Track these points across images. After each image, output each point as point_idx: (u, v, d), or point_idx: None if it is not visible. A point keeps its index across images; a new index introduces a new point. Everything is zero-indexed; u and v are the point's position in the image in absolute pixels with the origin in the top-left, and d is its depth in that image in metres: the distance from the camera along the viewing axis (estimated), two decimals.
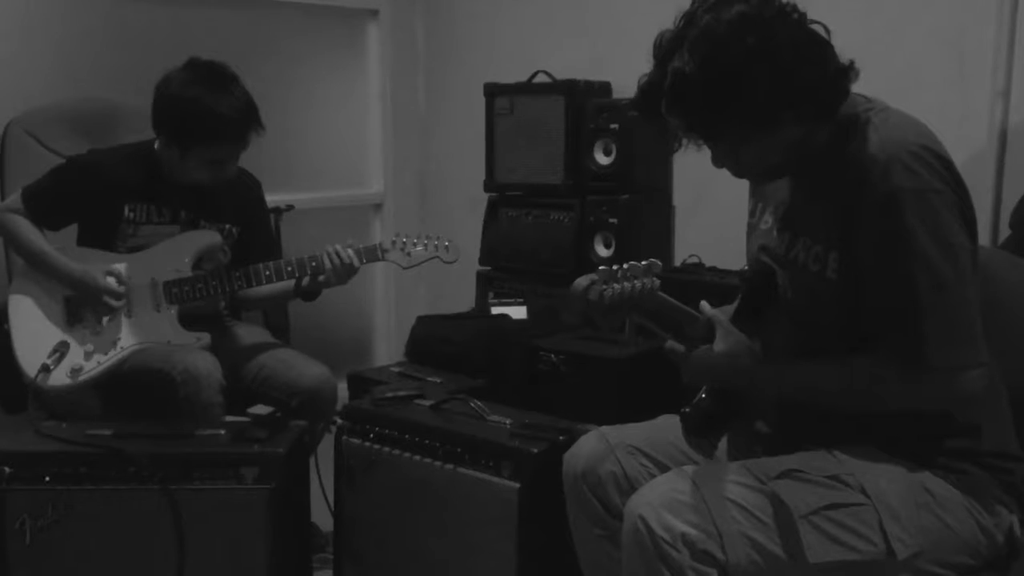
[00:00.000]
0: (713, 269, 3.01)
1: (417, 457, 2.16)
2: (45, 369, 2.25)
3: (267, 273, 2.40)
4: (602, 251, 3.18)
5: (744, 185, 1.76)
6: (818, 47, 1.48)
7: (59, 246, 2.42)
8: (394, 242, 2.43)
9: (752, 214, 1.77)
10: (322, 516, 2.46)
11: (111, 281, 2.35)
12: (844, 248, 1.51)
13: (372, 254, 2.41)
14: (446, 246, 2.45)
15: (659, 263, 1.52)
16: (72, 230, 2.49)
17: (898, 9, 2.84)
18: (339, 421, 2.31)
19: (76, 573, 2.06)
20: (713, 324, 1.58)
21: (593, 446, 1.76)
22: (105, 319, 2.37)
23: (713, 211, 3.14)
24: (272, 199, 2.80)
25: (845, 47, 1.51)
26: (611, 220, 3.15)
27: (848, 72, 1.50)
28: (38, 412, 2.33)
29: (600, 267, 1.49)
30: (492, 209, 3.48)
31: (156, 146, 2.43)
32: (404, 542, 2.20)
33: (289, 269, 2.40)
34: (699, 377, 1.64)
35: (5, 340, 2.38)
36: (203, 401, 2.24)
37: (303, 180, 3.74)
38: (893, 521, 1.46)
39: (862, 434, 1.56)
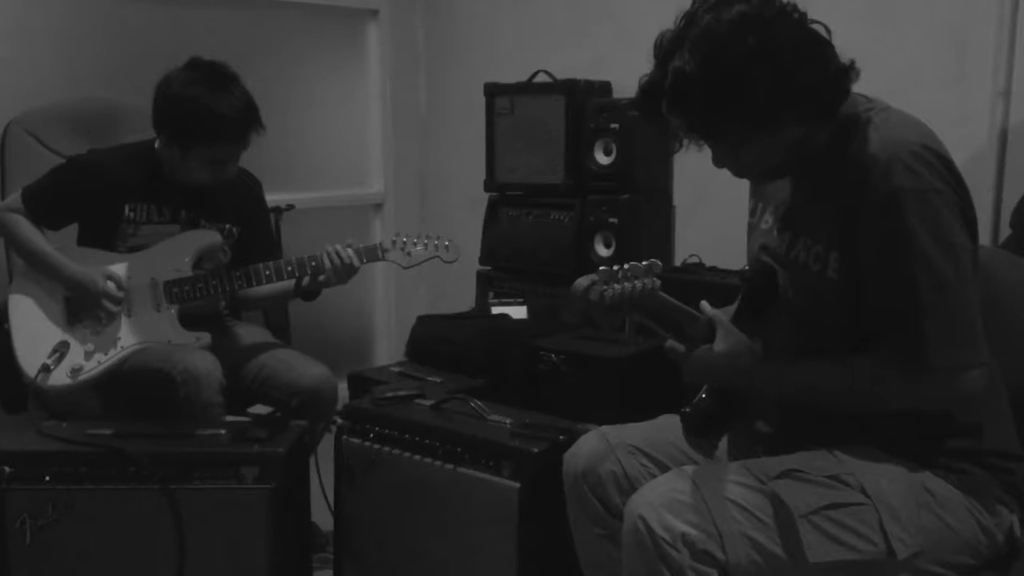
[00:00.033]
0: (713, 269, 3.01)
1: (417, 457, 2.16)
2: (45, 369, 2.25)
3: (267, 273, 2.40)
4: (602, 251, 3.18)
5: (744, 185, 1.76)
6: (819, 47, 1.48)
7: (59, 246, 2.42)
8: (394, 242, 2.43)
9: (752, 214, 1.77)
10: (322, 516, 2.46)
11: (110, 286, 2.35)
12: (845, 248, 1.51)
13: (372, 254, 2.41)
14: (446, 246, 2.45)
15: (659, 263, 1.52)
16: (72, 230, 2.49)
17: (899, 9, 2.84)
18: (339, 421, 2.31)
19: (76, 573, 2.06)
20: (714, 324, 1.58)
21: (593, 446, 1.76)
22: (104, 321, 2.37)
23: (713, 211, 3.13)
24: (272, 199, 2.80)
25: (846, 47, 1.51)
26: (611, 220, 3.15)
27: (849, 72, 1.51)
28: (38, 412, 2.33)
29: (601, 267, 1.49)
30: (492, 209, 3.48)
31: (156, 146, 2.43)
32: (404, 542, 2.20)
33: (289, 269, 2.40)
34: (699, 377, 1.64)
35: (5, 340, 2.38)
36: (203, 401, 2.24)
37: (303, 180, 3.74)
38: (893, 521, 1.46)
39: (863, 434, 1.56)
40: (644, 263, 1.50)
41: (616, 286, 1.48)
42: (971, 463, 1.54)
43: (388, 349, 4.17)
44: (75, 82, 3.08)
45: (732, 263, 2.80)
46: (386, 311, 4.20)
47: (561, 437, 2.03)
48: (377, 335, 4.24)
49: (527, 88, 3.37)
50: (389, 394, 2.35)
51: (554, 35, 3.61)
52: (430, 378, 2.69)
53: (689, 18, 1.48)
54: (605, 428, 1.79)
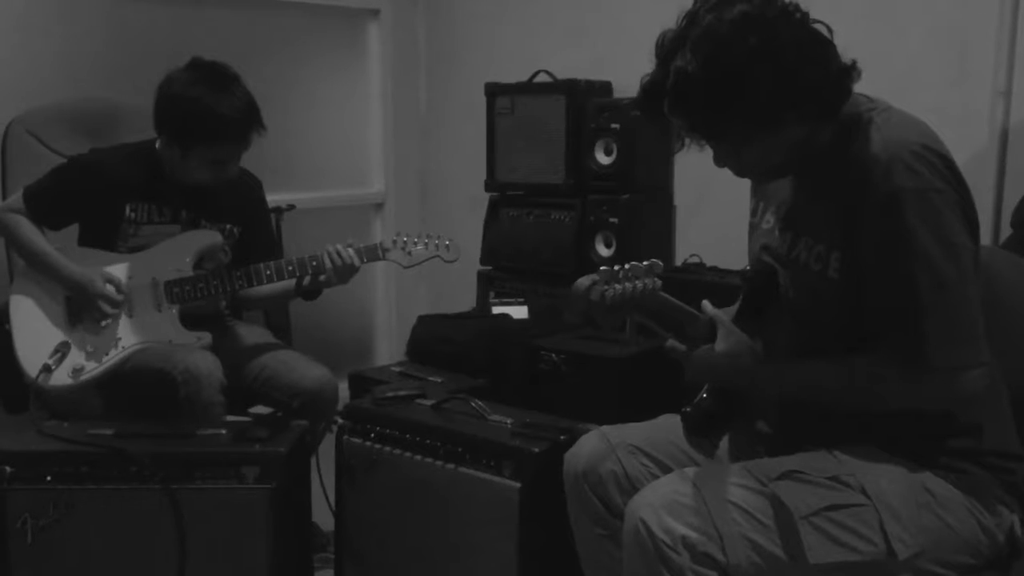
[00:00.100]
0: (714, 269, 3.01)
1: (418, 457, 2.16)
2: (46, 369, 2.25)
3: (268, 273, 2.41)
4: (603, 251, 3.18)
5: (745, 185, 1.76)
6: (821, 47, 1.48)
7: (60, 246, 2.42)
8: (395, 241, 2.43)
9: (754, 213, 1.77)
10: (323, 516, 2.46)
11: (109, 288, 2.35)
12: (846, 248, 1.51)
13: (373, 253, 2.41)
14: (447, 245, 2.45)
15: (660, 263, 1.52)
16: (73, 229, 2.49)
17: (900, 9, 2.84)
18: (340, 421, 2.32)
19: (77, 572, 2.06)
20: (715, 324, 1.58)
21: (594, 445, 1.76)
22: (104, 322, 2.37)
23: (714, 211, 3.13)
24: (273, 199, 2.81)
25: (847, 47, 1.51)
26: (612, 220, 3.15)
27: (850, 72, 1.51)
28: (40, 412, 2.34)
29: (601, 267, 1.49)
30: (493, 209, 3.48)
31: (157, 146, 2.43)
32: (405, 541, 2.20)
33: (290, 269, 2.41)
34: (700, 376, 1.64)
35: (6, 340, 2.38)
36: (204, 400, 2.24)
37: (304, 180, 3.74)
38: (894, 521, 1.46)
39: (863, 434, 1.56)
40: (645, 263, 1.50)
41: (617, 286, 1.48)
42: (971, 463, 1.54)
43: (389, 349, 4.17)
44: (75, 82, 3.08)
45: (733, 263, 2.80)
46: (387, 311, 4.20)
47: (562, 437, 2.03)
48: (378, 335, 4.24)
49: (528, 88, 3.37)
50: (390, 394, 2.35)
51: (555, 35, 3.60)
52: (431, 378, 2.69)
53: (691, 18, 1.48)
54: (606, 428, 1.79)
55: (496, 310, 3.19)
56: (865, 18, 2.82)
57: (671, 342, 1.61)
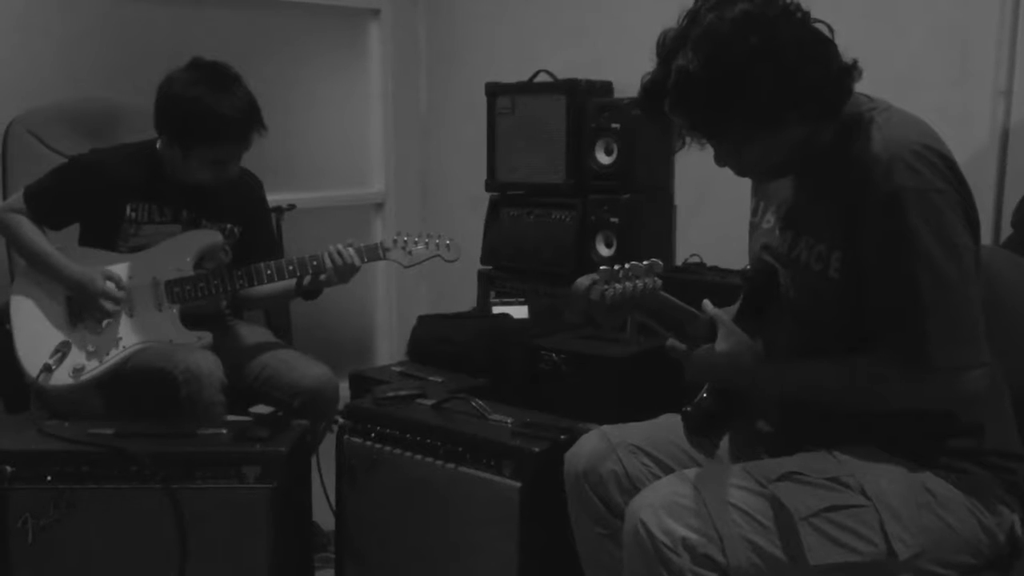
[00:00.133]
0: (715, 268, 3.01)
1: (418, 456, 2.16)
2: (47, 369, 2.25)
3: (268, 272, 2.41)
4: (603, 250, 3.18)
5: (746, 184, 1.76)
6: (822, 46, 1.48)
7: (60, 245, 2.42)
8: (395, 241, 2.44)
9: (754, 213, 1.77)
10: (324, 515, 2.46)
11: (110, 286, 2.35)
12: (847, 247, 1.51)
13: (373, 253, 2.41)
14: (447, 245, 2.45)
15: (660, 263, 1.52)
16: (74, 229, 2.49)
17: (901, 8, 2.84)
18: (341, 420, 2.32)
19: (78, 572, 2.06)
20: (715, 323, 1.58)
21: (594, 445, 1.76)
22: (105, 321, 2.37)
23: (715, 210, 3.13)
24: (274, 198, 2.81)
25: (847, 46, 1.51)
26: (612, 219, 3.15)
27: (851, 71, 1.50)
28: (40, 411, 2.34)
29: (602, 267, 1.49)
30: (493, 208, 3.48)
31: (158, 146, 2.43)
32: (406, 541, 2.20)
33: (291, 268, 2.41)
34: (701, 376, 1.64)
35: (7, 340, 2.38)
36: (205, 400, 2.24)
37: (305, 180, 3.75)
38: (894, 521, 1.46)
39: (864, 433, 1.56)
40: (645, 262, 1.50)
41: (617, 285, 1.48)
42: (972, 463, 1.54)
43: (389, 349, 4.17)
44: (76, 82, 3.08)
45: (733, 262, 2.80)
46: (387, 311, 4.20)
47: (562, 436, 2.03)
48: (378, 335, 4.24)
49: (528, 88, 3.37)
50: (390, 394, 2.35)
51: (555, 35, 3.60)
52: (431, 378, 2.69)
53: (692, 17, 1.48)
54: (606, 427, 1.79)
55: (496, 310, 3.19)
56: (866, 17, 2.82)
57: (671, 342, 1.61)
